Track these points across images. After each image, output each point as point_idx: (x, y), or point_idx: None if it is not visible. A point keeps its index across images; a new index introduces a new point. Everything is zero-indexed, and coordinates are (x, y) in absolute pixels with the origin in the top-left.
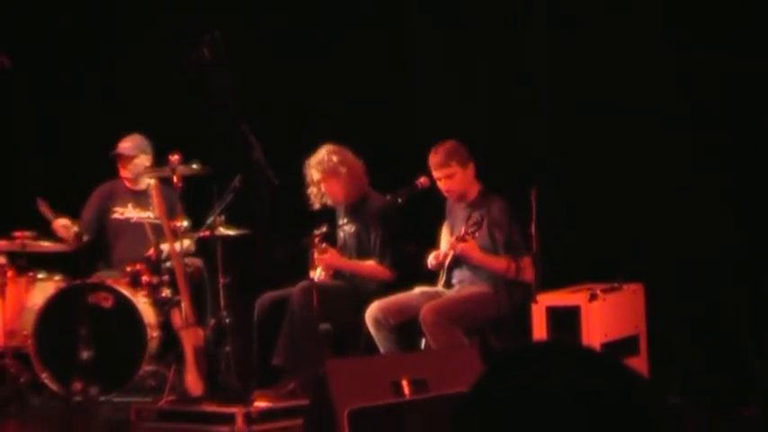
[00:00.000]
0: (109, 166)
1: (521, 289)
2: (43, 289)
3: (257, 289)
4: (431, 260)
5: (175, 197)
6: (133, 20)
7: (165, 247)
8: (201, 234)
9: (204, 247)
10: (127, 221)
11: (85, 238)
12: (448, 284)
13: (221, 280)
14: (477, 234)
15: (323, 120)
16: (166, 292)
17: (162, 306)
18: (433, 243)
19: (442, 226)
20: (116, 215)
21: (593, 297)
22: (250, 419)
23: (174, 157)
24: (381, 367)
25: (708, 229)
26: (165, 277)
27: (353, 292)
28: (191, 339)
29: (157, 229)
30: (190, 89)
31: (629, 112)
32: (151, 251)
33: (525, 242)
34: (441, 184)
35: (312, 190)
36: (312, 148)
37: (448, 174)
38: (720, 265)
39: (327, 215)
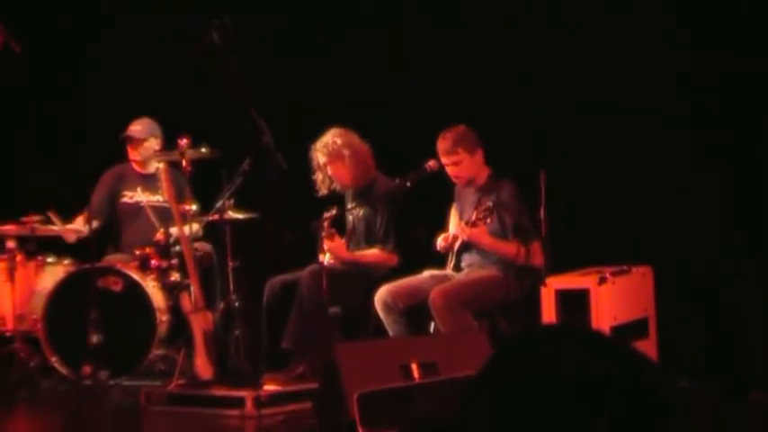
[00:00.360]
0: (117, 152)
1: (530, 273)
2: (53, 273)
3: (266, 273)
4: (440, 242)
5: (184, 181)
6: (141, 1)
7: (174, 230)
8: (210, 218)
9: (213, 231)
10: (136, 205)
11: (95, 224)
12: (457, 268)
13: (230, 264)
14: (488, 221)
15: (332, 104)
16: (176, 276)
17: (171, 290)
18: (442, 226)
19: (449, 209)
20: (125, 199)
21: (602, 280)
22: (259, 403)
23: (184, 141)
24: (391, 351)
25: (712, 217)
26: (175, 261)
27: (363, 276)
28: (200, 323)
29: (166, 213)
30: (199, 73)
31: (630, 110)
32: (159, 235)
33: (534, 227)
34: (448, 171)
35: (318, 175)
36: (321, 132)
37: (455, 161)
38: (727, 250)
39: (336, 199)
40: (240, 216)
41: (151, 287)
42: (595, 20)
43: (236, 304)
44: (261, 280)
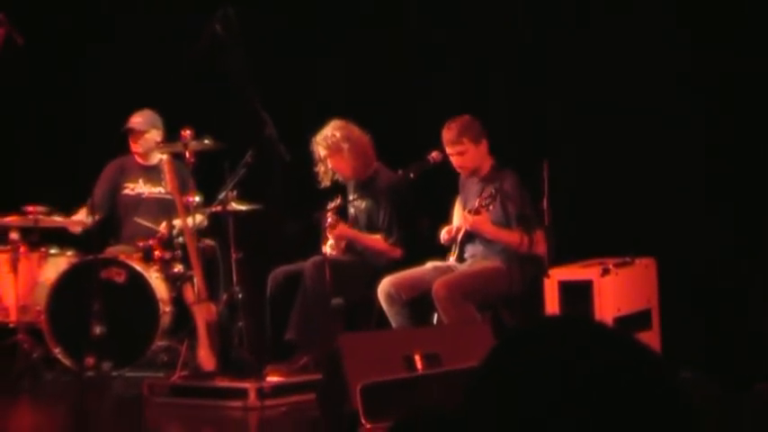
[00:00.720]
0: (120, 143)
1: (533, 264)
2: (56, 264)
3: (269, 264)
4: (443, 235)
5: (187, 172)
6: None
7: (177, 222)
8: (213, 209)
9: (216, 223)
10: (138, 197)
11: (97, 216)
12: (460, 259)
13: (233, 255)
14: (491, 207)
15: (334, 95)
16: (179, 268)
17: (174, 281)
18: (446, 218)
19: (454, 201)
20: (127, 191)
21: (605, 272)
22: (263, 394)
23: (187, 133)
24: (394, 342)
25: (715, 209)
26: (178, 252)
27: (366, 267)
28: (203, 314)
29: (169, 205)
30: (202, 65)
31: (632, 102)
32: (162, 228)
33: (537, 216)
34: (453, 161)
35: (320, 168)
36: (323, 123)
37: (460, 150)
38: (730, 242)
39: (340, 189)
40: (243, 207)
41: (154, 278)
42: (595, 20)
43: (240, 295)
44: (264, 271)
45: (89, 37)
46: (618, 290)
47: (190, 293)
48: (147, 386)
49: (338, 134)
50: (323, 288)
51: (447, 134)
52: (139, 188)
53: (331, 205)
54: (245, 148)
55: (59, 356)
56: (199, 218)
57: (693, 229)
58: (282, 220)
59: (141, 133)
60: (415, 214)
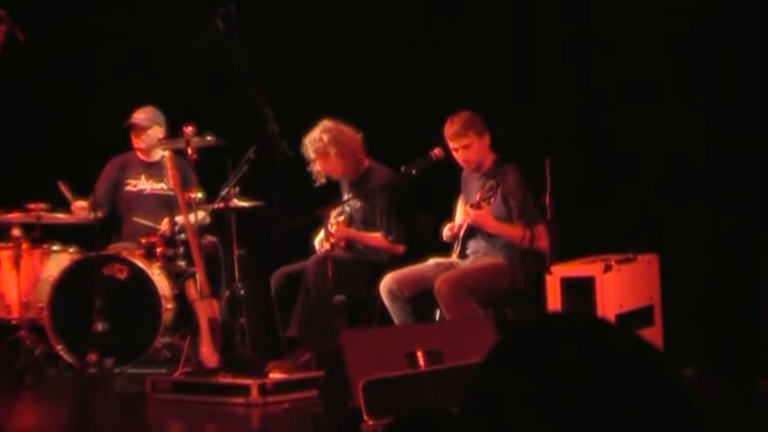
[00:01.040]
0: (122, 140)
1: (535, 260)
2: (58, 261)
3: (271, 260)
4: (446, 232)
5: (190, 169)
6: None
7: (179, 219)
8: (216, 206)
9: (219, 219)
10: (140, 193)
11: (99, 213)
12: (462, 255)
13: (236, 252)
14: (492, 200)
15: (335, 92)
16: (181, 264)
17: (177, 278)
18: (448, 214)
19: (456, 197)
20: (129, 187)
21: (607, 268)
22: (265, 391)
23: (189, 129)
24: (396, 339)
25: (717, 205)
26: (180, 249)
27: (368, 264)
28: (205, 311)
29: (171, 201)
30: (204, 61)
31: (635, 99)
32: (164, 225)
33: (540, 211)
34: (457, 155)
35: (313, 167)
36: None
37: (465, 144)
38: (732, 239)
39: (335, 187)
40: (245, 204)
41: (157, 275)
42: (595, 20)
43: (242, 292)
44: (266, 268)
45: (91, 33)
46: (620, 286)
47: (192, 290)
48: (150, 383)
49: (325, 138)
50: (325, 285)
51: (451, 128)
52: (142, 184)
53: (333, 212)
54: (248, 144)
55: (62, 353)
56: (201, 214)
57: (696, 226)
58: (284, 217)
59: (144, 129)
60: (414, 211)
